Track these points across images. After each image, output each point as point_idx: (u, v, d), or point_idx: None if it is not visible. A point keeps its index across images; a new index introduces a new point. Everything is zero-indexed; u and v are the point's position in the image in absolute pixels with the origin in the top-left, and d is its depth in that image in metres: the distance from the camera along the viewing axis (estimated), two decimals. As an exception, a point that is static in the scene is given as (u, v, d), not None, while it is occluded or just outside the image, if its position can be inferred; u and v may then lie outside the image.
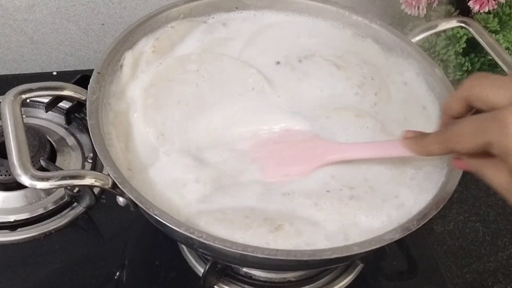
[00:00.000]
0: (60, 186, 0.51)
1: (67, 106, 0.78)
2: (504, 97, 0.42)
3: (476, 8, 0.76)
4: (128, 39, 0.63)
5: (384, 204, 0.55)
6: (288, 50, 0.68)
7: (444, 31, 0.75)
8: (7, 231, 0.68)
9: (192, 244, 0.52)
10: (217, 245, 0.47)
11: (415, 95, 0.66)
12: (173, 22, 0.67)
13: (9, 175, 0.69)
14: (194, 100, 0.61)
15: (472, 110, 0.46)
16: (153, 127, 0.58)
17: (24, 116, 0.54)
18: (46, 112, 0.75)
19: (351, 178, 0.56)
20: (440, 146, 0.47)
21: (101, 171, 0.70)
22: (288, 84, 0.64)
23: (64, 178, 0.50)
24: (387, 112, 0.63)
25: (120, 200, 0.52)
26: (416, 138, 0.50)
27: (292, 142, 0.59)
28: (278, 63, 0.66)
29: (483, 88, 0.43)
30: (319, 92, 0.64)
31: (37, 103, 0.80)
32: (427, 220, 0.51)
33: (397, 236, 0.49)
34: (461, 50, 0.77)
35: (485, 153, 0.43)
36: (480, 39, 0.68)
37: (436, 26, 0.72)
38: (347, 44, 0.69)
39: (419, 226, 0.50)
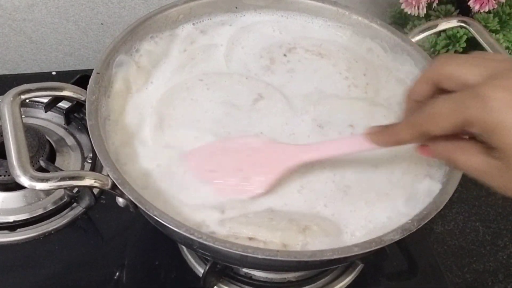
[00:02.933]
0: (59, 187, 0.51)
1: (67, 106, 0.78)
2: (479, 74, 0.40)
3: (476, 7, 0.76)
4: (128, 39, 0.63)
5: (386, 204, 0.55)
6: (270, 46, 0.68)
7: (444, 30, 0.75)
8: (6, 231, 0.67)
9: (192, 245, 0.52)
10: (217, 246, 0.47)
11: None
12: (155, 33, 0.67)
13: (9, 175, 0.69)
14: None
15: (438, 93, 0.45)
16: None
17: (23, 116, 0.54)
18: (46, 112, 0.74)
19: (354, 180, 0.57)
20: (412, 131, 0.44)
21: (100, 171, 0.70)
22: (282, 79, 0.65)
23: (63, 179, 0.50)
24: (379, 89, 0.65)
25: (120, 200, 0.52)
26: (382, 130, 0.49)
27: (250, 150, 0.56)
28: (263, 59, 0.67)
29: (455, 67, 0.42)
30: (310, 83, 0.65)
31: (37, 103, 0.80)
32: (428, 220, 0.50)
33: (397, 237, 0.49)
34: (461, 50, 0.77)
35: (454, 138, 0.42)
36: (480, 39, 0.68)
37: (436, 25, 0.71)
38: (322, 34, 0.71)
39: (419, 227, 0.50)
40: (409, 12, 0.78)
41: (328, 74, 0.66)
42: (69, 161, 0.75)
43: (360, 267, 0.69)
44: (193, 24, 0.69)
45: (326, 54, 0.68)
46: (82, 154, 0.76)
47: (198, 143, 0.57)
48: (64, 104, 0.77)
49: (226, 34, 0.69)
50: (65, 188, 0.69)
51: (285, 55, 0.67)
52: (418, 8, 0.77)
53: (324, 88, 0.65)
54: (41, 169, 0.70)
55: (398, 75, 0.68)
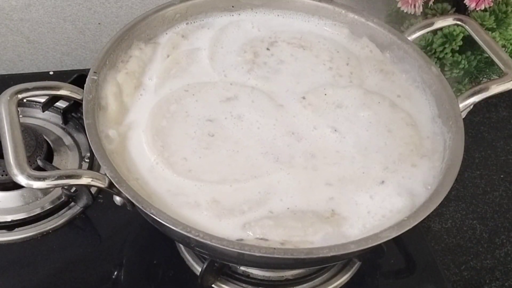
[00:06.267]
0: (56, 186, 0.51)
1: (64, 106, 0.77)
2: None
3: (473, 6, 0.76)
4: (124, 38, 0.64)
5: (382, 201, 0.55)
6: (252, 41, 0.69)
7: (441, 29, 0.75)
8: (4, 231, 0.67)
9: (189, 243, 0.52)
10: (214, 244, 0.47)
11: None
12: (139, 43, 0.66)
13: (6, 175, 0.69)
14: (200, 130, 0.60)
15: None
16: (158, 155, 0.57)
17: (21, 116, 0.54)
18: (43, 111, 0.74)
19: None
20: None
21: (98, 171, 0.70)
22: (268, 75, 0.66)
23: (60, 177, 0.50)
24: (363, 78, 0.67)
25: (117, 199, 0.52)
26: None
27: None
28: (247, 53, 0.67)
29: None
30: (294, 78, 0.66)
31: (34, 102, 0.80)
32: (424, 218, 0.51)
33: (393, 234, 0.49)
34: (457, 48, 0.77)
35: None
36: (476, 37, 0.68)
37: (432, 24, 0.72)
38: (300, 26, 0.72)
39: (415, 224, 0.50)
40: (405, 11, 0.78)
41: (312, 65, 0.67)
42: (66, 160, 0.75)
43: (357, 265, 0.69)
44: (186, 24, 0.70)
45: (307, 46, 0.69)
46: (80, 153, 0.76)
47: (195, 154, 0.58)
48: (61, 104, 0.77)
49: (206, 36, 0.69)
50: (62, 187, 0.69)
51: (268, 49, 0.68)
52: (415, 6, 0.77)
53: (311, 79, 0.66)
54: (38, 169, 0.70)
55: (384, 67, 0.69)
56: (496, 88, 0.62)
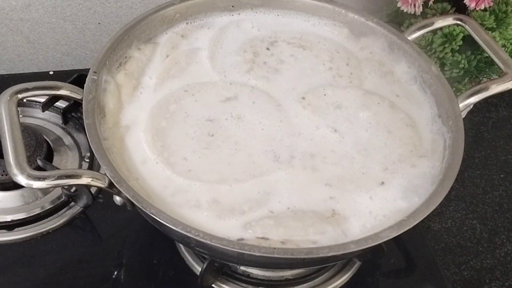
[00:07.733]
0: (56, 186, 0.51)
1: (64, 106, 0.77)
2: None
3: (472, 5, 0.76)
4: (124, 38, 0.64)
5: (382, 201, 0.55)
6: (252, 41, 0.69)
7: (441, 28, 0.75)
8: (4, 231, 0.67)
9: (189, 242, 0.52)
10: (214, 244, 0.47)
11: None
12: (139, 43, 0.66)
13: (6, 175, 0.69)
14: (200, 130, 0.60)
15: None
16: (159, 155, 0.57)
17: (20, 115, 0.54)
18: (43, 111, 0.74)
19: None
20: None
21: (98, 171, 0.70)
22: (268, 75, 0.66)
23: (60, 177, 0.50)
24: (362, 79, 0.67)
25: (117, 199, 0.52)
26: None
27: None
28: (247, 53, 0.67)
29: None
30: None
31: (34, 102, 0.80)
32: (424, 217, 0.51)
33: (393, 234, 0.49)
34: (457, 48, 0.77)
35: None
36: (476, 37, 0.68)
37: (432, 23, 0.72)
38: (300, 26, 0.72)
39: (415, 224, 0.50)
40: (405, 10, 0.78)
41: (312, 65, 0.67)
42: (66, 160, 0.75)
43: (357, 265, 0.69)
44: (186, 23, 0.70)
45: (307, 46, 0.69)
46: (80, 153, 0.76)
47: (194, 154, 0.57)
48: (61, 104, 0.77)
49: (206, 36, 0.69)
50: (62, 187, 0.69)
51: (268, 48, 0.68)
52: (415, 6, 0.78)
53: (311, 79, 0.66)
54: (38, 169, 0.70)
55: (384, 68, 0.69)
56: (496, 88, 0.62)
